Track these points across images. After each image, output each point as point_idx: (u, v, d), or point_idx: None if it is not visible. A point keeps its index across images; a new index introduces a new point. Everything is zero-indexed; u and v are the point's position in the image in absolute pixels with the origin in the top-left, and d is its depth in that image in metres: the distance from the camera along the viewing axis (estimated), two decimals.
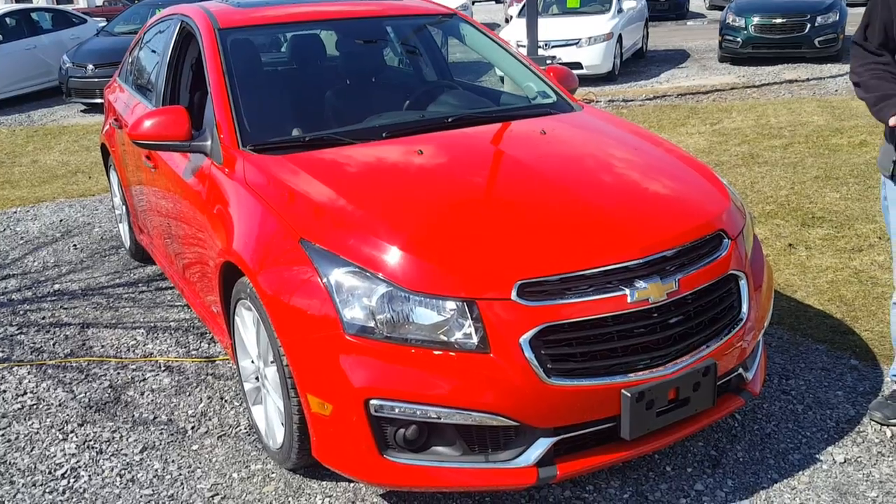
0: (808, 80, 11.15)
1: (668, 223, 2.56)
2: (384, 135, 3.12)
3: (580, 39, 11.85)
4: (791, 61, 12.64)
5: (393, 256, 2.36)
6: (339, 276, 2.38)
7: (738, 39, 12.72)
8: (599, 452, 2.41)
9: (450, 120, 3.33)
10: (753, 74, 11.82)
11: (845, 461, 2.73)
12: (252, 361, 2.98)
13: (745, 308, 2.62)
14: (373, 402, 2.30)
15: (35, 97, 13.41)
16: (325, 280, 2.39)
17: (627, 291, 2.34)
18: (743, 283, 2.64)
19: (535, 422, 2.29)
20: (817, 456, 2.77)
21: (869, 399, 3.10)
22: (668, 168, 2.98)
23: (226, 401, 3.39)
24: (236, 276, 2.85)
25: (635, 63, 13.71)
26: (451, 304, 2.29)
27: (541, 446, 2.32)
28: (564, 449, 2.38)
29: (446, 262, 2.34)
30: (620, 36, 12.48)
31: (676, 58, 14.17)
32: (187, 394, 3.47)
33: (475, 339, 2.27)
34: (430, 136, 3.14)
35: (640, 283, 2.36)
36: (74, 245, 5.73)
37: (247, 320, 2.89)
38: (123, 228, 5.31)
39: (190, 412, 3.32)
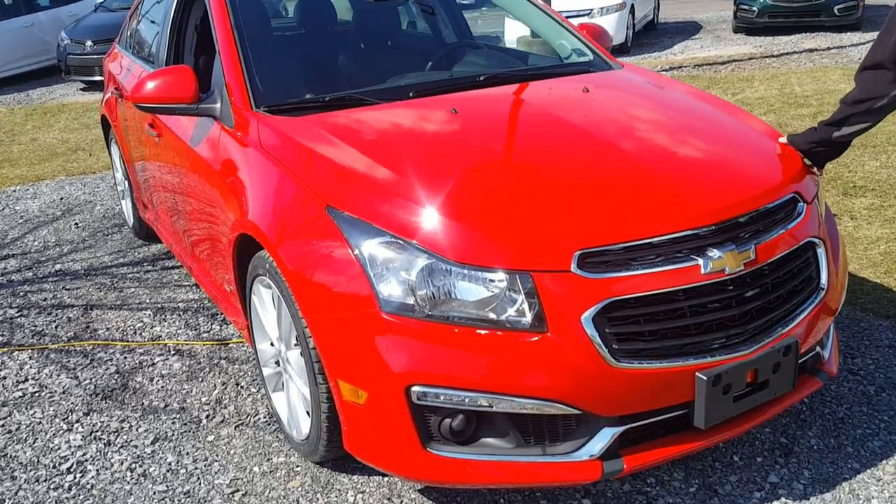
0: (828, 48, 10.78)
1: (740, 185, 2.28)
2: (411, 94, 2.83)
3: (592, 10, 11.48)
4: (809, 31, 12.27)
5: (433, 224, 2.08)
6: (373, 248, 2.10)
7: (754, 9, 12.33)
8: (669, 443, 2.14)
9: (482, 78, 3.03)
10: (771, 44, 11.45)
11: None
12: (271, 344, 2.71)
13: (823, 278, 2.34)
14: (414, 388, 2.03)
15: (34, 76, 13.06)
16: (356, 252, 2.11)
17: (701, 261, 2.06)
18: (821, 251, 2.36)
19: (599, 409, 2.02)
20: None
21: None
22: (732, 127, 2.69)
23: (241, 387, 3.12)
24: (253, 250, 2.57)
25: (647, 35, 13.33)
26: (500, 277, 2.01)
27: (605, 437, 2.05)
28: (630, 440, 2.11)
29: (495, 229, 2.06)
30: (633, 6, 12.11)
31: (689, 29, 13.77)
32: (200, 379, 3.21)
33: (529, 317, 2.00)
34: (463, 96, 2.85)
35: (714, 252, 2.08)
36: (76, 223, 5.46)
37: (265, 299, 2.62)
38: (126, 205, 5.03)
39: (203, 399, 3.06)
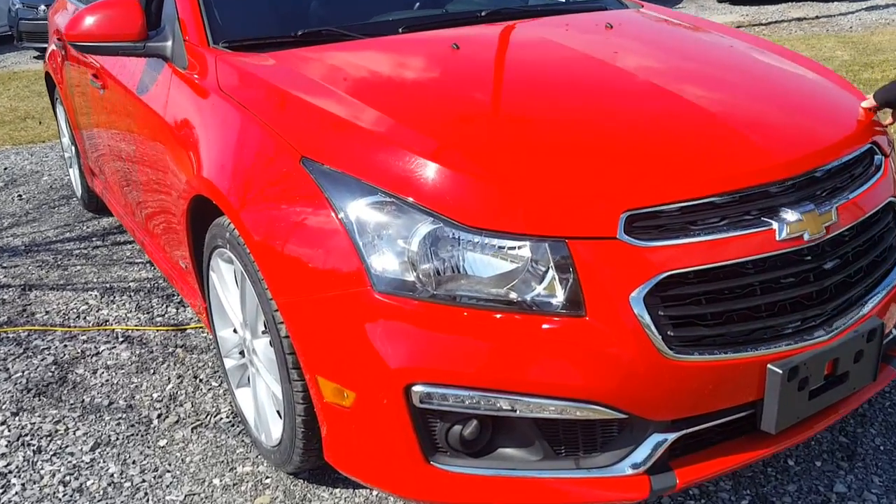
0: (816, 17, 10.45)
1: (813, 132, 1.86)
2: (401, 29, 2.36)
3: None
4: (796, 0, 11.93)
5: (438, 178, 1.64)
6: (363, 210, 1.65)
7: None
8: (729, 450, 1.73)
9: (483, 13, 2.57)
10: (758, 13, 11.09)
11: None
12: (235, 331, 2.25)
13: None
14: (416, 388, 1.59)
15: None
16: (341, 215, 1.66)
17: (775, 224, 1.64)
18: None
19: (648, 413, 1.60)
20: None
21: None
22: (789, 67, 2.27)
23: (201, 380, 2.66)
24: (210, 216, 2.11)
25: None
26: (525, 245, 1.58)
27: (654, 445, 1.63)
28: (681, 448, 1.70)
29: (516, 184, 1.61)
30: None
31: None
32: (151, 371, 2.74)
33: (561, 296, 1.57)
34: (464, 31, 2.38)
35: (790, 213, 1.66)
36: (19, 195, 4.92)
37: (226, 277, 2.16)
38: (74, 174, 4.50)
39: (155, 395, 2.60)
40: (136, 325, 3.08)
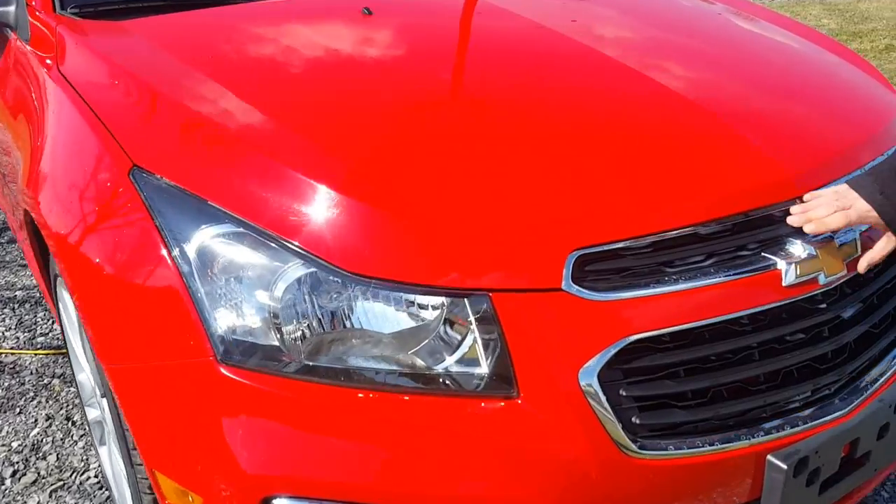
0: None
1: (830, 131, 1.41)
2: None
3: None
4: None
5: (318, 207, 1.16)
6: (206, 244, 1.18)
7: None
8: None
9: None
10: None
11: None
12: (87, 377, 1.78)
13: None
14: (279, 503, 1.13)
15: None
16: (175, 251, 1.18)
17: (781, 264, 1.19)
18: None
19: None
20: None
21: None
22: (793, 43, 1.81)
23: (74, 423, 2.19)
24: None
25: None
26: (433, 301, 1.12)
27: None
28: None
29: (424, 217, 1.15)
30: None
31: None
32: (17, 410, 2.26)
33: (485, 370, 1.12)
34: None
35: (800, 247, 1.21)
36: None
37: (71, 312, 1.68)
38: None
39: (15, 444, 2.12)
40: (11, 349, 2.59)
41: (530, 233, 1.12)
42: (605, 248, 1.13)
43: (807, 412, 1.24)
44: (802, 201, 1.24)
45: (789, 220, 1.22)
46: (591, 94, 1.43)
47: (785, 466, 1.19)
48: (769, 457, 1.19)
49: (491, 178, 1.19)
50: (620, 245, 1.14)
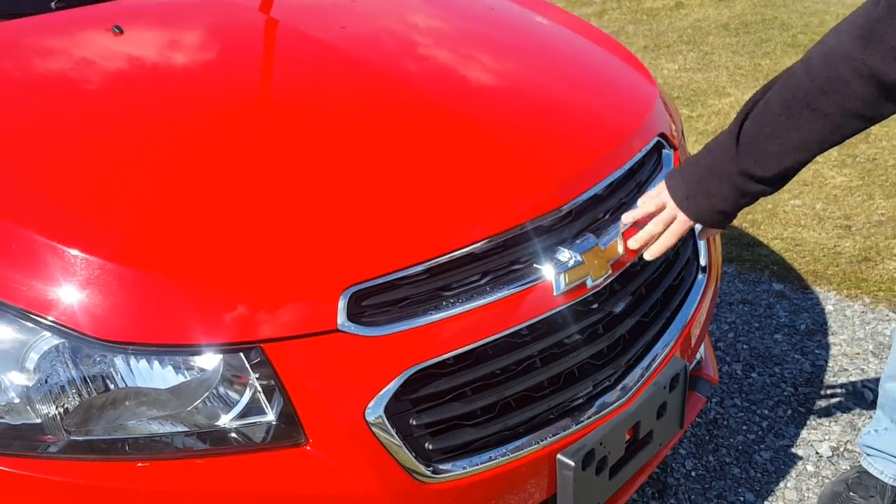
0: None
1: (592, 134, 1.48)
2: (53, 3, 1.69)
3: None
4: None
5: (67, 273, 1.07)
6: None
7: None
8: None
9: None
10: None
11: (834, 453, 1.92)
12: None
13: (703, 256, 1.63)
14: None
15: None
16: None
17: (550, 275, 1.24)
18: None
19: None
20: (793, 450, 1.93)
21: (817, 338, 2.31)
22: (561, 40, 1.87)
23: None
24: None
25: None
26: (202, 362, 1.08)
27: None
28: None
29: (188, 274, 1.09)
30: None
31: None
32: None
33: (271, 415, 1.09)
34: (133, 2, 1.75)
35: (566, 254, 1.27)
36: None
37: None
38: None
39: None
40: None
41: (300, 277, 1.10)
42: (380, 281, 1.13)
43: (591, 407, 1.32)
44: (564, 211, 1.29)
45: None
46: (356, 118, 1.40)
47: (573, 463, 1.26)
48: (558, 455, 1.26)
49: (254, 222, 1.15)
50: (394, 276, 1.14)
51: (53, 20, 1.64)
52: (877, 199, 3.02)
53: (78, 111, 1.36)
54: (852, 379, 2.15)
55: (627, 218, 1.33)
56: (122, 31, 1.55)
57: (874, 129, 3.60)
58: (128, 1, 1.72)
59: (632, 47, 5.34)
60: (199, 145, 1.29)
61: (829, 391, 2.11)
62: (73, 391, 1.06)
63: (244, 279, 1.09)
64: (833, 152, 3.39)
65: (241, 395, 1.10)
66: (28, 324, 1.05)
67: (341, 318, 1.10)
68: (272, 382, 1.08)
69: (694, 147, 3.67)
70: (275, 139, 1.32)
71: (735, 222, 2.97)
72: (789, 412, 2.04)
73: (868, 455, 1.73)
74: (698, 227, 1.35)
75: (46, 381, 1.05)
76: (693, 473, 1.88)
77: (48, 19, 1.64)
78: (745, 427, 2.00)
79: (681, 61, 4.94)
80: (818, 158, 3.23)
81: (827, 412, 2.04)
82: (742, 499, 1.80)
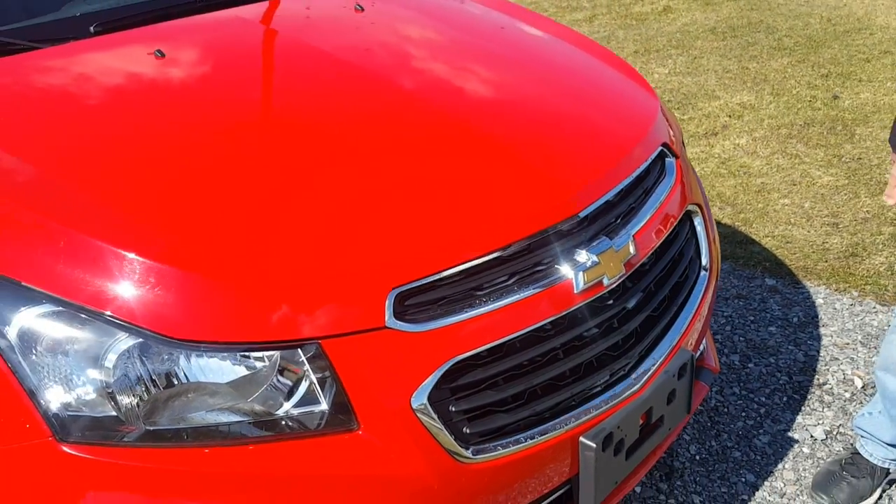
0: None
1: (602, 146, 1.61)
2: (93, 29, 1.80)
3: None
4: None
5: (137, 277, 1.19)
6: (30, 323, 1.17)
7: None
8: None
9: None
10: None
11: (828, 436, 2.05)
12: None
13: (705, 255, 1.77)
14: None
15: None
16: None
17: (570, 275, 1.37)
18: (698, 220, 1.78)
19: None
20: (789, 434, 2.07)
21: (809, 330, 2.45)
22: (569, 57, 2.00)
23: None
24: None
25: None
26: (267, 356, 1.20)
27: None
28: None
29: (246, 276, 1.21)
30: None
31: None
32: None
33: (324, 404, 1.21)
34: (173, 26, 1.87)
35: (584, 255, 1.40)
36: None
37: None
38: None
39: None
40: None
41: (351, 279, 1.22)
42: (421, 282, 1.25)
43: (608, 394, 1.44)
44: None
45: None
46: (388, 132, 1.53)
47: (594, 444, 1.38)
48: (581, 438, 1.38)
49: (308, 231, 1.27)
50: (434, 278, 1.26)
51: (95, 44, 1.75)
52: (862, 197, 3.17)
53: (137, 120, 1.48)
54: (843, 367, 2.28)
55: None
56: (164, 55, 1.67)
57: (859, 129, 3.76)
58: (165, 25, 1.83)
59: (622, 52, 5.49)
60: (250, 159, 1.41)
61: (821, 379, 2.25)
62: (148, 384, 1.17)
63: (301, 283, 1.21)
64: (819, 153, 3.54)
65: (298, 386, 1.21)
66: (107, 326, 1.16)
67: (388, 316, 1.22)
68: (326, 374, 1.20)
69: (690, 149, 3.81)
70: (322, 153, 1.44)
71: (728, 220, 3.11)
72: (785, 399, 2.18)
73: (861, 437, 1.86)
74: None
75: (124, 376, 1.16)
76: (697, 457, 2.01)
77: (89, 43, 1.75)
78: (744, 413, 2.14)
79: (670, 65, 5.09)
80: (805, 159, 3.37)
81: (820, 398, 2.17)
82: (743, 479, 1.94)
